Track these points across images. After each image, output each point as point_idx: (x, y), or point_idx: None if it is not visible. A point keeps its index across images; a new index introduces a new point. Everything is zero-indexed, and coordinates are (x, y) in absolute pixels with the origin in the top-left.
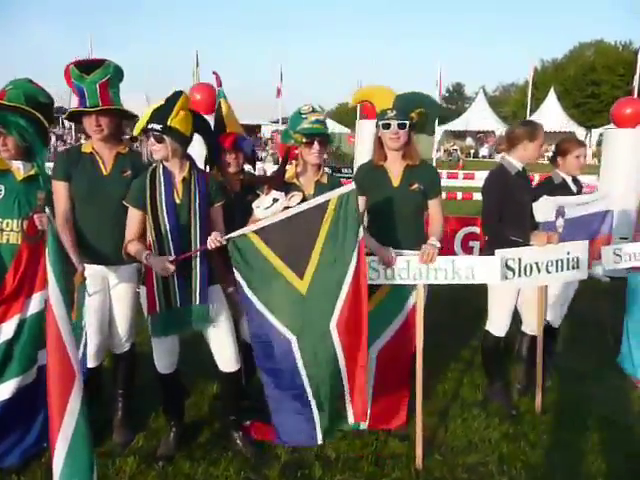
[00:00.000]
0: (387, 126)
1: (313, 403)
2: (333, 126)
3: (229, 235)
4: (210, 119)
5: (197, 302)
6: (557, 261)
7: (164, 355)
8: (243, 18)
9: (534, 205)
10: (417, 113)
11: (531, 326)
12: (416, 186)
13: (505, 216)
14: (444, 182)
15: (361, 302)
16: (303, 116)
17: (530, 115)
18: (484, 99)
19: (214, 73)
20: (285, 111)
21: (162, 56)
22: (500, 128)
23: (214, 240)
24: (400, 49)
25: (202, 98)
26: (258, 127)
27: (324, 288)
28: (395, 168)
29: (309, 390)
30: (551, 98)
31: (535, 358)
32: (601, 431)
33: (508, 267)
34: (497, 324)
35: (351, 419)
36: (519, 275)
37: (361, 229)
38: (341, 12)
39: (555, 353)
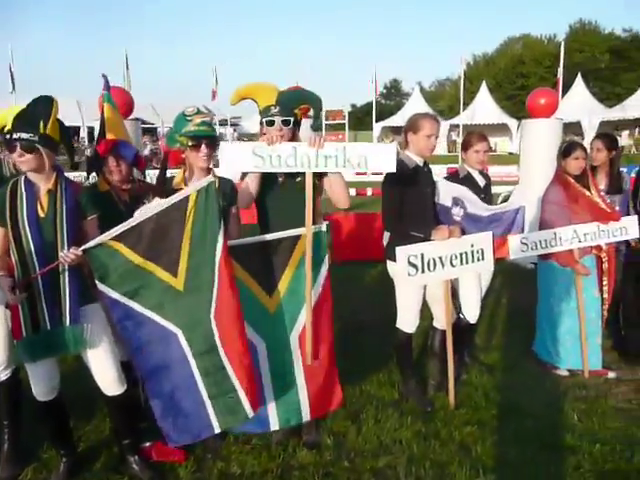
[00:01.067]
0: (271, 123)
1: (205, 394)
2: None
3: (84, 246)
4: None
5: (68, 323)
6: (461, 254)
7: (41, 381)
8: (177, 18)
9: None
10: (301, 109)
11: (441, 321)
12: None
13: (405, 212)
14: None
15: (231, 293)
16: (188, 118)
17: (464, 109)
18: (419, 94)
19: (103, 76)
20: (222, 114)
21: (92, 59)
22: None
23: (67, 255)
24: (336, 48)
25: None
26: None
27: (199, 282)
28: None
29: (200, 381)
30: (483, 91)
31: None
32: (516, 422)
33: (411, 264)
34: (406, 321)
35: (249, 411)
36: (422, 271)
37: (221, 222)
38: (276, 12)
39: (473, 345)
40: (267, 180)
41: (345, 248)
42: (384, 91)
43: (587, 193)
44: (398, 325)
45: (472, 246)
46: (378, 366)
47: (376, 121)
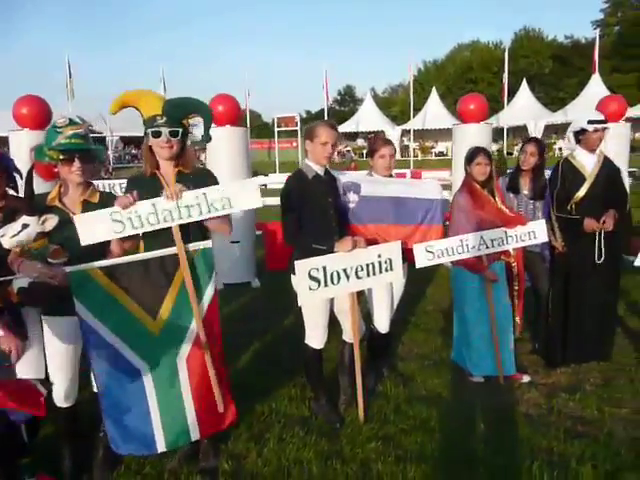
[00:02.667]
0: (157, 134)
1: (156, 414)
2: None
3: (70, 268)
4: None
5: None
6: (368, 265)
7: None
8: (120, 19)
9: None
10: (189, 119)
11: (350, 334)
12: None
13: (306, 223)
14: None
15: (214, 336)
16: (58, 130)
17: (414, 115)
18: (372, 100)
19: None
20: None
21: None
22: (389, 128)
23: None
24: (289, 54)
25: (27, 112)
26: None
27: (177, 330)
28: (168, 177)
29: (153, 405)
30: (433, 97)
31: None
32: (423, 435)
33: (312, 278)
34: (314, 336)
35: (194, 436)
36: (325, 285)
37: (214, 282)
38: (226, 17)
39: (390, 355)
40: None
41: (280, 256)
42: (338, 97)
43: (491, 199)
44: (306, 341)
45: (379, 256)
46: (293, 381)
47: None
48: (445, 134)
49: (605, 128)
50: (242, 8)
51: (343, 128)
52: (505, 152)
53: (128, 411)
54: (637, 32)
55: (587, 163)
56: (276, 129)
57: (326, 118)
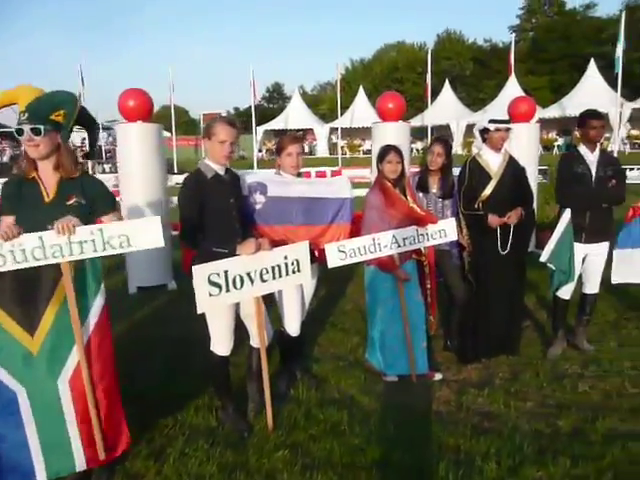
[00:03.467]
0: (20, 132)
1: (35, 444)
2: None
3: None
4: None
5: None
6: (273, 267)
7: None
8: (42, 11)
9: None
10: (57, 115)
11: (257, 339)
12: (74, 200)
13: (206, 225)
14: None
15: (102, 357)
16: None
17: (342, 113)
18: (299, 98)
19: None
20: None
21: None
22: (317, 126)
23: None
24: (217, 52)
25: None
26: None
27: (58, 349)
28: (48, 181)
29: (31, 432)
30: (360, 96)
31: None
32: (332, 441)
33: (212, 283)
34: (219, 343)
35: (80, 465)
36: (227, 290)
37: (102, 295)
38: (150, 11)
39: (303, 357)
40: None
41: None
42: (267, 94)
43: (402, 198)
44: (212, 348)
45: (286, 258)
46: (202, 389)
47: (259, 124)
48: (371, 132)
49: (508, 128)
50: (166, 2)
51: (271, 125)
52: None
53: (2, 440)
54: (549, 38)
55: (493, 162)
56: (202, 126)
57: (253, 115)
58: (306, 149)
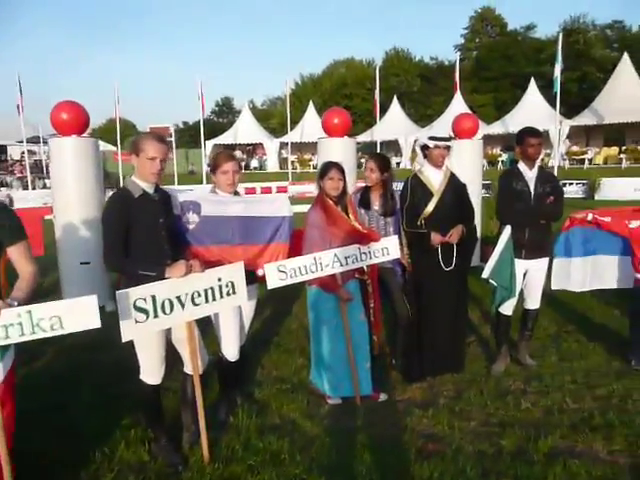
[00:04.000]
0: None
1: None
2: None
3: None
4: None
5: None
6: (206, 290)
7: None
8: None
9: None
10: None
11: (190, 366)
12: None
13: (133, 247)
14: None
15: None
16: None
17: (292, 128)
18: (249, 112)
19: None
20: (33, 130)
21: None
22: (267, 140)
23: None
24: (165, 65)
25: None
26: (3, 147)
27: None
28: None
29: None
30: (310, 111)
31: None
32: (271, 471)
33: (139, 309)
34: (149, 371)
35: None
36: (155, 315)
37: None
38: (93, 24)
39: (240, 384)
40: None
41: None
42: (216, 109)
43: (344, 215)
44: (141, 376)
45: (219, 280)
46: (134, 420)
47: (208, 139)
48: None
49: (447, 146)
50: (110, 14)
51: (221, 140)
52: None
53: None
54: (492, 57)
55: (434, 179)
56: None
57: (202, 129)
58: (256, 164)
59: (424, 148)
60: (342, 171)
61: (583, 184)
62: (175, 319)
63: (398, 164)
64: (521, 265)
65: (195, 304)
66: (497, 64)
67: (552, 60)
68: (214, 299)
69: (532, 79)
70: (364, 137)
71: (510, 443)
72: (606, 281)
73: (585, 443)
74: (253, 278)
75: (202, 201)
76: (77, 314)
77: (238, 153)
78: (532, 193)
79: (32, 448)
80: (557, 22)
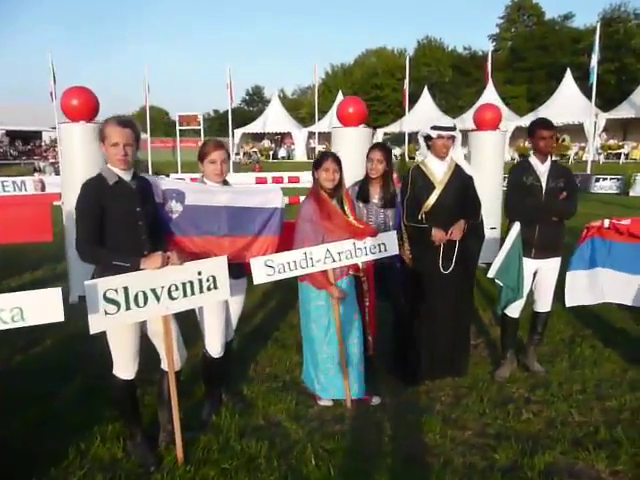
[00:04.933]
0: None
1: None
2: None
3: None
4: None
5: None
6: (185, 284)
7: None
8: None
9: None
10: None
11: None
12: None
13: (107, 236)
14: None
15: None
16: None
17: (320, 118)
18: (278, 102)
19: None
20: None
21: None
22: (296, 130)
23: None
24: (197, 53)
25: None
26: (38, 133)
27: None
28: None
29: None
30: (339, 100)
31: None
32: (245, 475)
33: (109, 300)
34: (123, 366)
35: None
36: (127, 307)
37: None
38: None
39: (226, 381)
40: None
41: None
42: (247, 97)
43: (339, 209)
44: (114, 372)
45: (200, 274)
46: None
47: (238, 127)
48: None
49: (451, 136)
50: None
51: (249, 129)
52: (407, 157)
53: None
54: (527, 47)
55: (437, 171)
56: (178, 127)
57: (230, 118)
58: (284, 153)
59: (427, 138)
60: (338, 162)
61: (618, 179)
62: (149, 312)
63: None
64: (530, 265)
65: (172, 298)
66: (532, 54)
67: (589, 51)
68: (193, 293)
69: (568, 70)
70: (393, 128)
71: (504, 457)
72: (625, 297)
73: (586, 461)
74: (241, 271)
75: (186, 189)
76: (40, 307)
77: (266, 142)
78: (544, 188)
79: (8, 438)
80: (596, 11)
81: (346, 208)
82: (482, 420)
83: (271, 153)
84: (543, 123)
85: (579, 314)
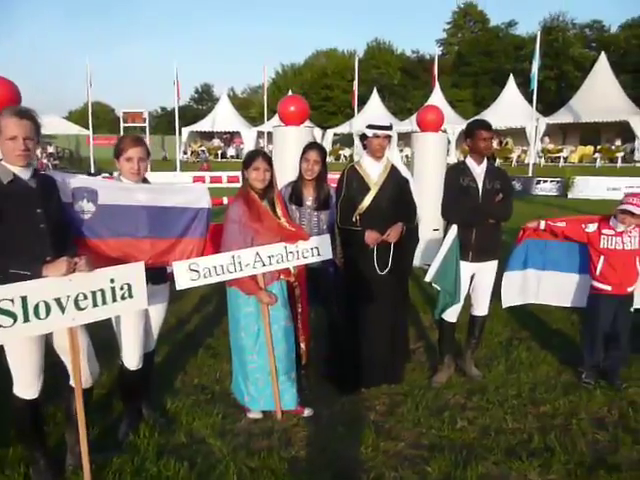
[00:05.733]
0: None
1: None
2: (70, 127)
3: None
4: None
5: None
6: (94, 293)
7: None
8: None
9: None
10: None
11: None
12: None
13: (3, 241)
14: None
15: None
16: None
17: (269, 117)
18: (227, 100)
19: None
20: None
21: None
22: (245, 129)
23: None
24: (142, 49)
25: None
26: None
27: None
28: None
29: None
30: None
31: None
32: None
33: (3, 312)
34: (23, 384)
35: None
36: (26, 319)
37: None
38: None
39: (146, 396)
40: None
41: None
42: (196, 95)
43: (270, 211)
44: (15, 391)
45: (112, 281)
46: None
47: (186, 125)
48: None
49: (387, 135)
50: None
51: (198, 127)
52: (355, 157)
53: None
54: (473, 52)
55: (372, 171)
56: (122, 125)
57: (177, 116)
58: (233, 152)
59: (363, 138)
60: (269, 161)
61: (557, 182)
62: (52, 325)
63: None
64: (468, 268)
65: (80, 308)
66: (477, 60)
67: (531, 57)
68: (105, 303)
69: (511, 75)
70: (342, 129)
71: (436, 469)
72: (560, 298)
73: (519, 471)
74: (163, 276)
75: (100, 187)
76: None
77: (216, 141)
78: (480, 190)
79: None
80: (538, 20)
81: (278, 210)
82: (416, 430)
83: (220, 152)
84: (483, 124)
85: (518, 316)
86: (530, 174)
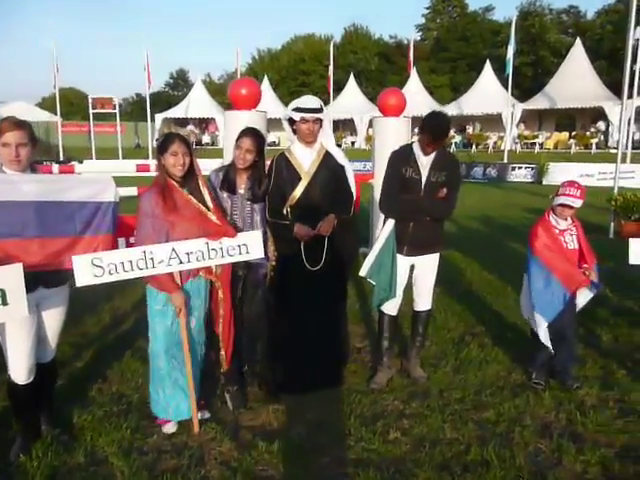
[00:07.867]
0: None
1: None
2: (39, 114)
3: None
4: None
5: None
6: None
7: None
8: None
9: None
10: None
11: None
12: None
13: None
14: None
15: None
16: None
17: None
18: (202, 86)
19: None
20: None
21: None
22: (220, 115)
23: None
24: (115, 34)
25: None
26: None
27: None
28: None
29: None
30: (265, 85)
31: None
32: None
33: None
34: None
35: None
36: None
37: None
38: None
39: (44, 409)
40: None
41: None
42: (171, 81)
43: (193, 200)
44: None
45: None
46: None
47: (161, 111)
48: (277, 124)
49: (317, 119)
50: None
51: (172, 113)
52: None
53: None
54: (450, 38)
55: (304, 159)
56: (91, 111)
57: (147, 102)
58: (207, 139)
59: (291, 122)
60: (187, 144)
61: (532, 168)
62: None
63: (353, 143)
64: (403, 262)
65: None
66: (455, 45)
67: (507, 43)
68: None
69: (487, 61)
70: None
71: None
72: None
73: None
74: (59, 279)
75: None
76: None
77: (191, 127)
78: (423, 182)
79: None
80: (515, 5)
81: (207, 199)
82: (344, 443)
83: (194, 140)
84: (436, 125)
85: (474, 309)
86: (506, 160)
